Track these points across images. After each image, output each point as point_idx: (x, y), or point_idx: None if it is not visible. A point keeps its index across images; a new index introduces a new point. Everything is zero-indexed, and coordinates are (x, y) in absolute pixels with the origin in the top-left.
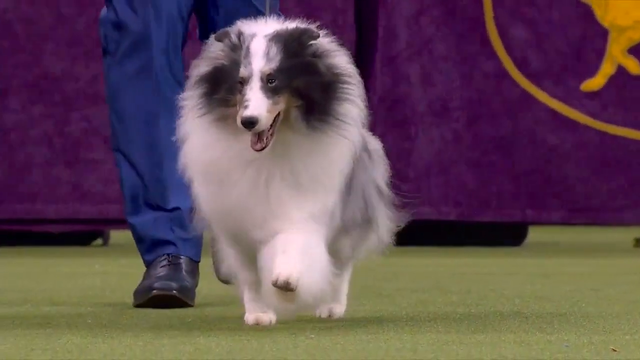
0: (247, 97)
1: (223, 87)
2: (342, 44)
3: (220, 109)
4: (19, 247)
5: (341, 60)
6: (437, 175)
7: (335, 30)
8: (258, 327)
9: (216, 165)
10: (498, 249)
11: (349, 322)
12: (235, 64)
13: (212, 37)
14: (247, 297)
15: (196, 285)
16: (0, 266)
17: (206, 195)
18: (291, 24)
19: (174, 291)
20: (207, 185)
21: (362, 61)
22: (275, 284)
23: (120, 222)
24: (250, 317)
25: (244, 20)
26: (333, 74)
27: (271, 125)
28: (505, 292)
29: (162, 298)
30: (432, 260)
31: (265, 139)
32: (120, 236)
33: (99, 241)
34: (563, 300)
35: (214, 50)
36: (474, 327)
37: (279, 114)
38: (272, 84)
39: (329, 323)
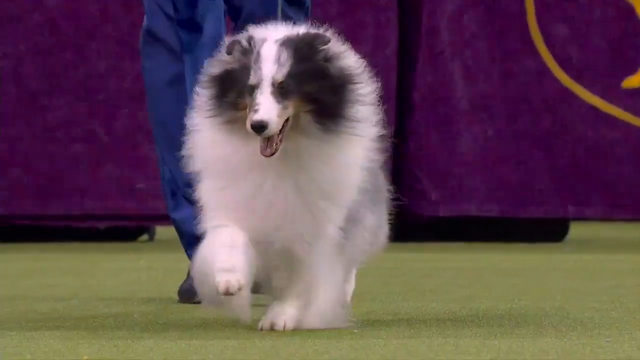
0: (257, 101)
1: (233, 90)
2: (385, 41)
3: (229, 112)
4: (66, 243)
5: (351, 61)
6: (480, 172)
7: (378, 28)
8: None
9: (222, 163)
10: (540, 245)
11: (392, 318)
12: (246, 68)
13: (225, 42)
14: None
15: None
16: (47, 262)
17: (213, 189)
18: (302, 29)
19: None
20: (214, 179)
21: (404, 59)
22: (260, 329)
23: (165, 218)
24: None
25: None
26: (343, 76)
27: (280, 131)
28: (546, 288)
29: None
30: (475, 256)
31: (274, 144)
32: (166, 232)
33: (145, 237)
34: (604, 295)
35: (224, 54)
36: (516, 322)
37: (287, 119)
38: (282, 89)
39: (373, 319)
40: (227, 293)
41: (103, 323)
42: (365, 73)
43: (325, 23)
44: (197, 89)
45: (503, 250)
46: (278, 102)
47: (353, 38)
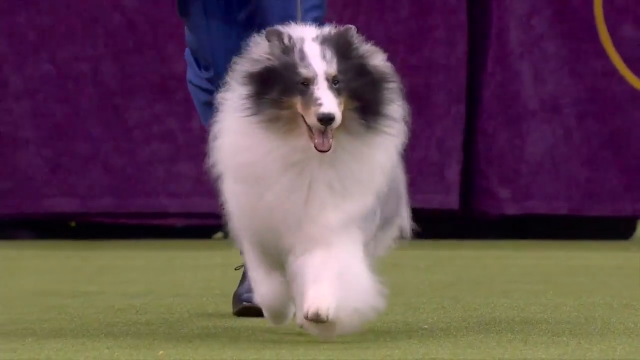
0: (317, 95)
1: (275, 88)
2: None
3: (271, 111)
4: (143, 241)
5: (380, 60)
6: (549, 170)
7: (449, 29)
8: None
9: (253, 167)
10: (607, 243)
11: (461, 315)
12: (290, 66)
13: (257, 37)
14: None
15: None
16: (125, 259)
17: (239, 194)
18: (330, 28)
19: None
20: (240, 184)
21: (474, 59)
22: (306, 317)
23: None
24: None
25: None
26: (380, 74)
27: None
28: (614, 286)
29: (251, 310)
30: (543, 253)
31: (330, 139)
32: None
33: (220, 234)
34: None
35: (260, 52)
36: (584, 319)
37: None
38: (335, 85)
39: (443, 315)
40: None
41: (179, 319)
42: (393, 72)
43: (396, 24)
44: (225, 88)
45: (571, 248)
46: (335, 96)
47: (423, 39)
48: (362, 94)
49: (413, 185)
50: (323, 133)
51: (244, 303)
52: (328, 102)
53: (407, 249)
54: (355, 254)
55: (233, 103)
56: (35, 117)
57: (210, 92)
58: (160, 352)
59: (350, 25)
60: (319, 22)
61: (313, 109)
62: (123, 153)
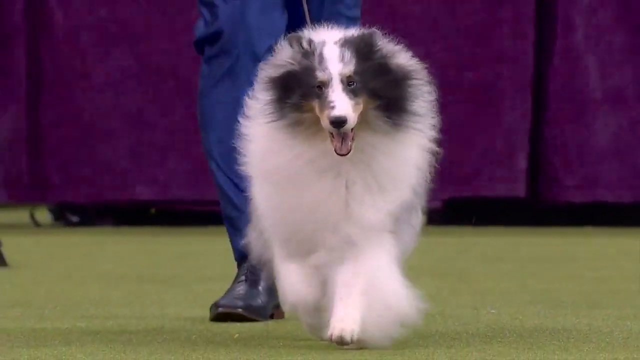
0: (330, 98)
1: (296, 92)
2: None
3: (293, 115)
4: (221, 227)
5: (406, 58)
6: (613, 159)
7: (516, 22)
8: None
9: (283, 170)
10: None
11: (529, 299)
12: (309, 70)
13: (281, 42)
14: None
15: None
16: (203, 245)
17: (271, 198)
18: (355, 31)
19: (239, 309)
20: (272, 187)
21: (541, 52)
22: (330, 340)
23: None
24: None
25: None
26: (403, 72)
27: (352, 129)
28: None
29: (228, 315)
30: (607, 240)
31: (349, 142)
32: None
33: None
34: None
35: (283, 57)
36: None
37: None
38: (351, 86)
39: (509, 299)
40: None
41: None
42: (421, 70)
43: (466, 17)
44: (251, 94)
45: (635, 235)
46: (350, 98)
47: (491, 33)
48: (383, 93)
49: (481, 174)
50: (342, 136)
51: (220, 309)
52: (340, 104)
53: (474, 235)
54: (388, 262)
55: (258, 108)
56: (116, 108)
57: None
58: (235, 335)
59: (375, 29)
60: (355, 22)
61: (326, 112)
62: (201, 143)
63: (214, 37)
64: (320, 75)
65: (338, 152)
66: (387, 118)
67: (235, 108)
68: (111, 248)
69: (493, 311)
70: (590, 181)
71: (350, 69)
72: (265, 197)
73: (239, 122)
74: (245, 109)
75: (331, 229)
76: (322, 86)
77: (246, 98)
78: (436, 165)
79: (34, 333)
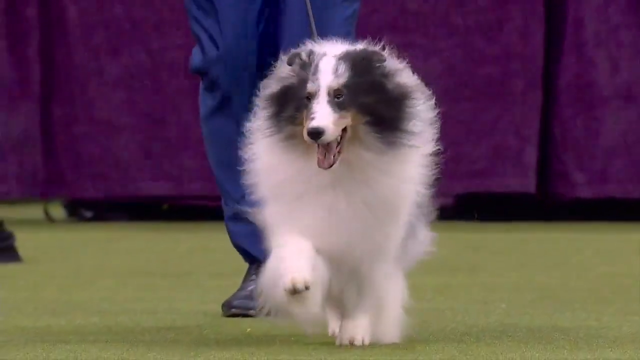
0: (313, 109)
1: (291, 105)
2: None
3: (288, 128)
4: None
5: (407, 77)
6: (623, 154)
7: (526, 19)
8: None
9: (287, 186)
10: None
11: (538, 294)
12: (304, 82)
13: (283, 58)
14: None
15: None
16: (214, 240)
17: (280, 214)
18: (360, 46)
19: (251, 310)
20: (280, 204)
21: (551, 48)
22: (339, 345)
23: None
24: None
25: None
26: (400, 91)
27: (338, 143)
28: None
29: (241, 316)
30: (615, 235)
31: (332, 156)
32: None
33: None
34: None
35: (284, 70)
36: None
37: (345, 130)
38: (339, 99)
39: (519, 293)
40: (294, 291)
41: None
42: (421, 90)
43: (475, 14)
44: (254, 111)
45: None
46: (334, 110)
47: (501, 29)
48: (374, 109)
49: (492, 170)
50: (324, 149)
51: (233, 310)
52: (319, 116)
53: (485, 231)
54: (392, 281)
55: (258, 125)
56: (129, 104)
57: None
58: (248, 329)
59: (381, 48)
60: (350, 36)
61: (306, 123)
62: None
63: (203, 72)
64: (310, 86)
65: (320, 165)
66: (377, 134)
67: (230, 138)
68: (124, 243)
69: (503, 306)
70: (600, 177)
71: (339, 82)
72: (273, 215)
73: (238, 146)
74: (246, 131)
75: (334, 246)
76: (310, 97)
77: (246, 122)
78: (439, 177)
79: (48, 329)
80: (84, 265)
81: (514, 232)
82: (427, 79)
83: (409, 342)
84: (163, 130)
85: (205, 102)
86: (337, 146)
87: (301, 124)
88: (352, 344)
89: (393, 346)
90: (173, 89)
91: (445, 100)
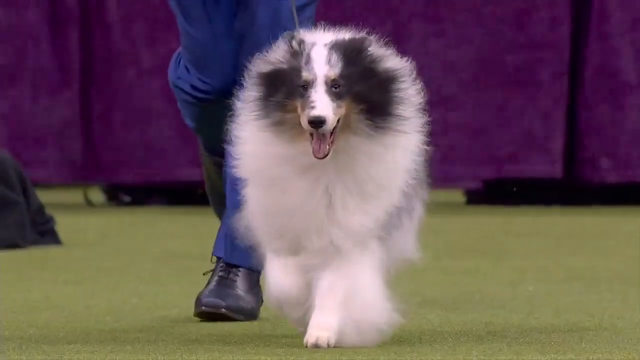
0: (312, 98)
1: (281, 90)
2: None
3: (277, 114)
4: None
5: (395, 62)
6: None
7: (552, 8)
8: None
9: (270, 171)
10: None
11: (564, 275)
12: (296, 70)
13: (279, 40)
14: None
15: (260, 296)
16: None
17: (259, 198)
18: (347, 34)
19: (223, 309)
20: (260, 188)
21: (576, 36)
22: (306, 346)
23: None
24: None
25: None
26: (389, 75)
27: (332, 132)
28: None
29: (211, 315)
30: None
31: (327, 146)
32: None
33: None
34: None
35: (275, 55)
36: None
37: (338, 120)
38: (335, 89)
39: (546, 275)
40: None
41: None
42: (409, 75)
43: (504, 4)
44: (243, 90)
45: None
46: (332, 100)
47: (528, 19)
48: (366, 97)
49: (520, 155)
50: (320, 138)
51: (203, 308)
52: (320, 105)
53: (513, 215)
54: (370, 269)
55: (246, 107)
56: (166, 91)
57: (196, 96)
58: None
59: (367, 35)
60: (311, 20)
61: (306, 111)
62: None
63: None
64: (306, 75)
65: (315, 154)
66: (370, 121)
67: (214, 136)
68: (161, 227)
69: (530, 288)
70: (625, 162)
71: (335, 72)
72: (253, 199)
73: (225, 135)
74: (235, 113)
75: (314, 232)
76: (306, 86)
77: (237, 102)
78: (428, 166)
79: (87, 310)
80: (122, 248)
81: (542, 216)
82: (458, 67)
83: (438, 318)
84: None
85: (185, 109)
86: (331, 136)
87: (292, 111)
88: (316, 345)
89: (419, 327)
90: None
91: (474, 87)
